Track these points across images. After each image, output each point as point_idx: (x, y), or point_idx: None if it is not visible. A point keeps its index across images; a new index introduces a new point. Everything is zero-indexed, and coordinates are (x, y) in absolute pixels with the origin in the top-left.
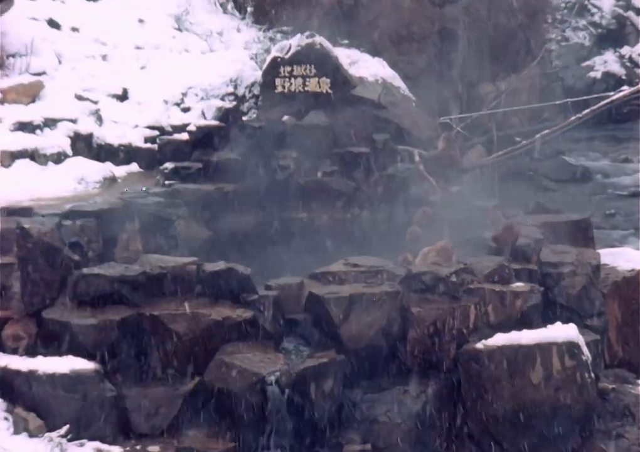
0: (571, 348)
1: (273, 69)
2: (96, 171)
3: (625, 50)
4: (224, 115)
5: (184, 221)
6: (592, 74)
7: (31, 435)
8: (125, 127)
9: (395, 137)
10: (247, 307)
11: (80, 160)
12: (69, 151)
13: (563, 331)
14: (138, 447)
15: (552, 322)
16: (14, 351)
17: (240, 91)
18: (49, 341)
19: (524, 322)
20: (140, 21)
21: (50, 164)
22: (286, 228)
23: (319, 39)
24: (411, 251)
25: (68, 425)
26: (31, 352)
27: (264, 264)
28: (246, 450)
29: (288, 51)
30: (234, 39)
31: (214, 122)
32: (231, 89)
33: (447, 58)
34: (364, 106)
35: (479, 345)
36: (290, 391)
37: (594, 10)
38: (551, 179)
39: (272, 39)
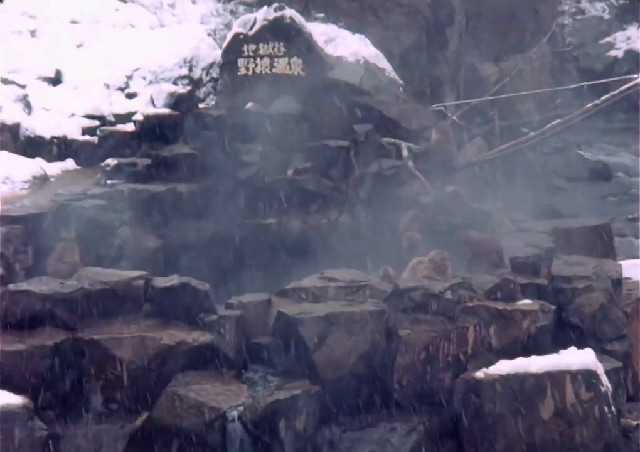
0: (588, 377)
1: (235, 47)
2: (24, 168)
3: None
4: (177, 101)
5: (129, 228)
6: (613, 53)
7: None
8: (59, 116)
9: (379, 127)
10: (205, 329)
11: (4, 155)
12: None
13: (578, 358)
14: None
15: (565, 347)
16: None
17: (196, 73)
18: None
19: (532, 346)
20: None
21: None
22: (251, 236)
23: (289, 12)
24: (405, 261)
25: None
26: None
27: (225, 279)
28: None
29: (252, 27)
30: (188, 12)
31: (166, 110)
32: (185, 71)
33: (440, 33)
34: (343, 91)
35: (479, 374)
36: (255, 429)
37: None
38: (563, 177)
39: (233, 12)
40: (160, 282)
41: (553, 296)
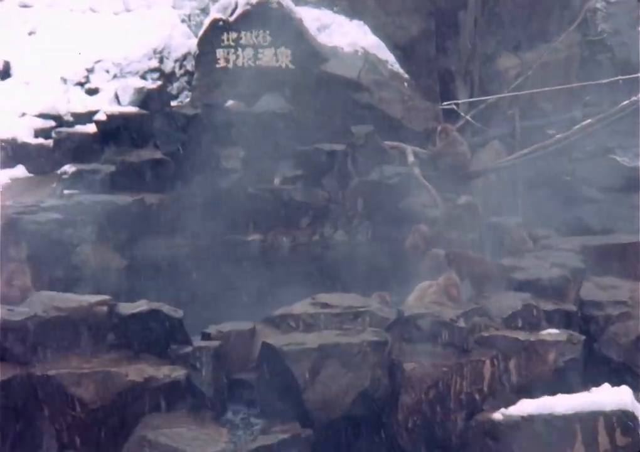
0: (624, 419)
1: (213, 36)
2: None
3: None
4: (145, 99)
5: (90, 245)
6: None
7: None
8: (8, 116)
9: (381, 129)
10: (178, 363)
11: None
12: None
13: (612, 396)
14: None
15: (598, 383)
16: None
17: (168, 66)
18: None
19: (559, 383)
20: None
21: None
22: (232, 256)
23: None
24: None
25: None
26: None
27: (202, 305)
28: None
29: (233, 12)
30: None
31: (133, 109)
32: (155, 63)
33: (452, 19)
34: (339, 87)
35: (497, 415)
36: None
37: None
38: (595, 186)
39: None
40: (126, 308)
41: (582, 325)
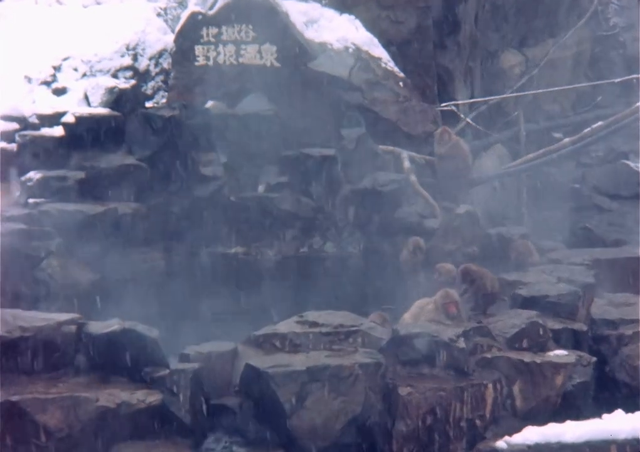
0: (638, 448)
1: (191, 31)
2: None
3: None
4: (118, 99)
5: (57, 259)
6: None
7: None
8: None
9: (374, 132)
10: (153, 387)
11: None
12: None
13: (626, 423)
14: None
15: (610, 410)
16: None
17: (142, 64)
18: None
19: (567, 409)
20: None
21: None
22: (212, 270)
23: None
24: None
25: None
26: None
27: (179, 323)
28: None
29: (213, 5)
30: None
31: (103, 110)
32: (128, 61)
33: (451, 13)
34: (328, 86)
35: (501, 443)
36: None
37: None
38: (606, 194)
39: None
40: (97, 327)
41: (593, 345)
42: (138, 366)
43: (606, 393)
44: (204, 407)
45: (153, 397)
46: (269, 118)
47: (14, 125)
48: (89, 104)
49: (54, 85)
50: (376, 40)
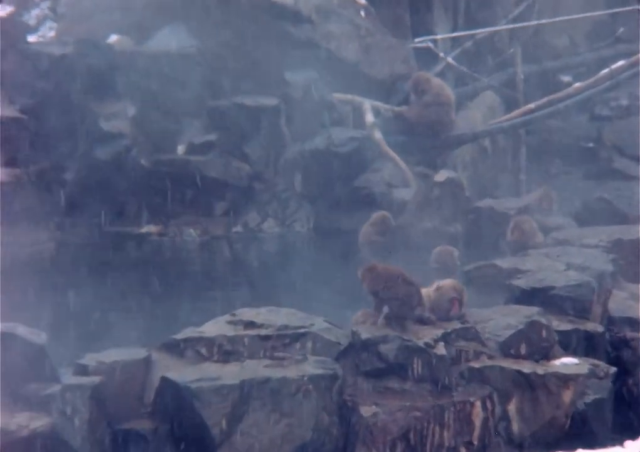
0: None
1: None
2: None
3: None
4: None
5: None
6: None
7: None
8: None
9: (329, 77)
10: (39, 408)
11: None
12: None
13: None
14: None
15: (634, 435)
16: None
17: None
18: None
19: (579, 434)
20: None
21: None
22: (118, 255)
23: None
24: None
25: None
26: None
27: (75, 324)
28: None
29: None
30: None
31: None
32: None
33: None
34: (269, 17)
35: None
36: None
37: None
38: (628, 155)
39: None
40: None
41: (612, 351)
42: (19, 382)
43: (629, 414)
44: (106, 433)
45: (39, 422)
46: (190, 58)
47: None
48: None
49: None
50: None
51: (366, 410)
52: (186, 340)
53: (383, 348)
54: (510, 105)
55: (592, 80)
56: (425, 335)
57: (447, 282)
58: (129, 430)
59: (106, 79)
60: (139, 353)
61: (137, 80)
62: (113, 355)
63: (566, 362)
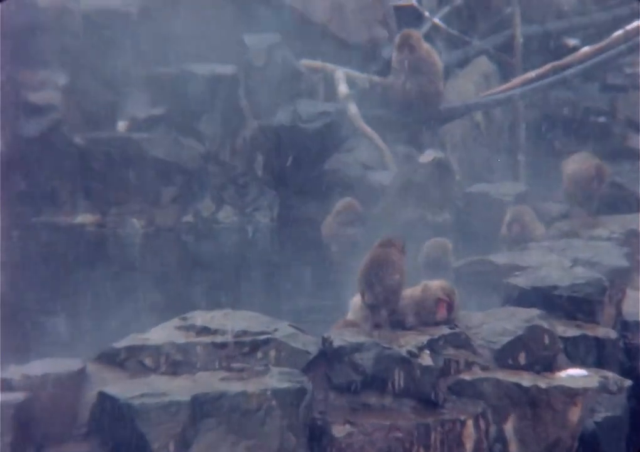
0: None
1: None
2: None
3: None
4: None
5: None
6: None
7: None
8: None
9: (295, 40)
10: None
11: None
12: None
13: None
14: None
15: None
16: None
17: None
18: None
19: None
20: None
21: None
22: (48, 249)
23: None
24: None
25: None
26: None
27: None
28: None
29: None
30: None
31: None
32: None
33: None
34: None
35: None
36: None
37: None
38: None
39: None
40: None
41: (626, 361)
42: None
43: None
44: None
45: None
46: (133, 17)
47: None
48: None
49: None
50: None
51: (339, 430)
52: (127, 349)
53: (359, 357)
54: (507, 73)
55: (603, 43)
56: (408, 342)
57: (436, 282)
58: None
59: (32, 42)
60: (73, 364)
61: (68, 43)
62: (41, 367)
63: (573, 374)
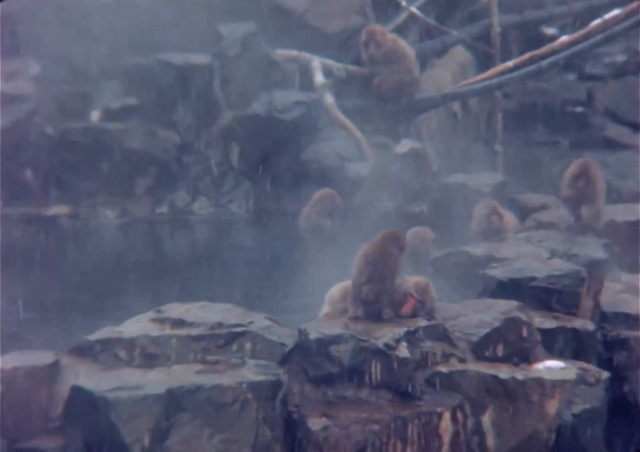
0: None
1: None
2: None
3: None
4: None
5: None
6: None
7: None
8: None
9: (271, 30)
10: None
11: None
12: None
13: None
14: None
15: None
16: None
17: None
18: None
19: (565, 450)
20: None
21: None
22: (20, 241)
23: None
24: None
25: None
26: None
27: None
28: None
29: None
30: None
31: None
32: None
33: None
34: None
35: None
36: None
37: None
38: (624, 122)
39: None
40: None
41: (604, 353)
42: None
43: (624, 427)
44: None
45: None
46: (106, 6)
47: None
48: None
49: None
50: None
51: (315, 423)
52: (101, 341)
53: (336, 349)
54: (484, 62)
55: (581, 32)
56: (385, 334)
57: (414, 278)
58: (33, 450)
59: (4, 31)
60: (45, 357)
61: (40, 31)
62: (13, 360)
63: (551, 366)
